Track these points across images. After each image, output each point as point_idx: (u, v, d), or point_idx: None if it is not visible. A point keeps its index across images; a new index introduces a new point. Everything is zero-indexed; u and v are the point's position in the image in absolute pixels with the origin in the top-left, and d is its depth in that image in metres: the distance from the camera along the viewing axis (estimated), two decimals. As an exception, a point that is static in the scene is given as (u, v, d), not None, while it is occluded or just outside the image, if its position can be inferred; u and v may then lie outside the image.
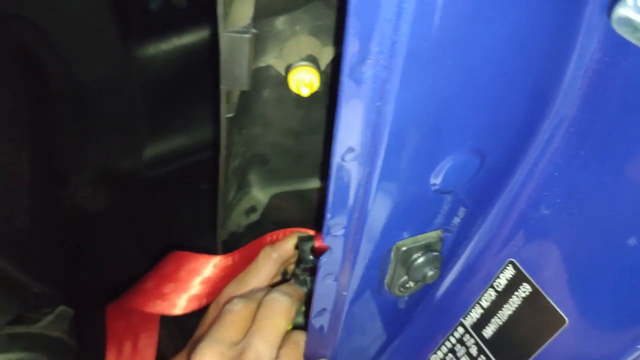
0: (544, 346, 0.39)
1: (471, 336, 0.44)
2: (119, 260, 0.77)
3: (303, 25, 0.43)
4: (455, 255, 0.43)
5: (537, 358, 0.39)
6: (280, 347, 0.47)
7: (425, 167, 0.34)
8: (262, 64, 0.44)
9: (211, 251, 0.59)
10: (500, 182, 0.39)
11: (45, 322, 0.55)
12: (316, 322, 0.45)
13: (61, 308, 0.58)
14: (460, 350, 0.45)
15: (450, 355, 0.46)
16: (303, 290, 0.53)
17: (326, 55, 0.44)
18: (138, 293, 0.59)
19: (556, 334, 0.37)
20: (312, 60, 0.42)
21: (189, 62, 0.79)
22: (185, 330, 0.66)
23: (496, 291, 0.41)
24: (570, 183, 0.35)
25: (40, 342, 0.54)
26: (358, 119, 0.30)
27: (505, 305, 0.41)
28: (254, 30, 0.37)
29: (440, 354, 0.47)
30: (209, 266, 0.57)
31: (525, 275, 0.39)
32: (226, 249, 0.59)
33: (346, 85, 0.29)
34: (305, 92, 0.41)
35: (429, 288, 0.46)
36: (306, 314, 0.54)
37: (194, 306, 0.57)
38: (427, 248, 0.40)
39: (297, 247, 0.56)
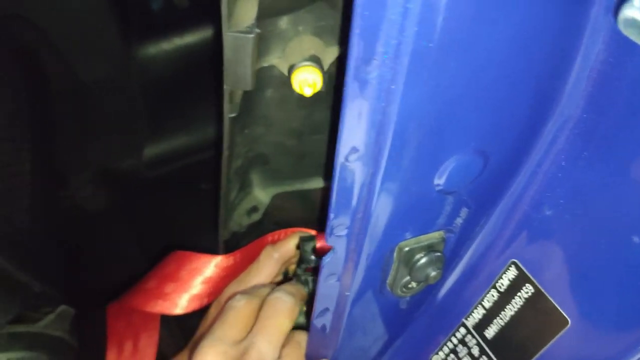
0: (546, 347, 0.39)
1: (473, 337, 0.44)
2: (120, 260, 0.77)
3: (306, 25, 0.43)
4: (458, 255, 0.43)
5: (539, 359, 0.39)
6: (282, 347, 0.47)
7: (429, 167, 0.34)
8: (265, 64, 0.44)
9: (212, 251, 0.59)
10: (504, 183, 0.39)
11: (46, 322, 0.55)
12: (318, 322, 0.45)
13: (62, 307, 0.58)
14: (462, 350, 0.45)
15: (452, 355, 0.46)
16: (305, 290, 0.53)
17: (329, 56, 0.44)
18: (139, 293, 0.59)
19: (558, 335, 0.37)
20: (315, 60, 0.42)
21: (190, 62, 0.79)
22: (186, 329, 0.66)
23: (498, 292, 0.41)
24: (573, 184, 0.35)
25: (41, 342, 0.53)
26: (362, 120, 0.30)
27: (507, 306, 0.41)
28: (257, 30, 0.37)
29: (442, 354, 0.47)
30: (211, 266, 0.57)
31: (527, 276, 0.39)
32: (227, 249, 0.59)
33: (351, 85, 0.29)
34: (308, 92, 0.41)
35: (431, 288, 0.45)
36: (308, 314, 0.54)
37: (195, 306, 0.57)
38: (429, 249, 0.40)
39: (298, 247, 0.56)
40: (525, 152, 0.37)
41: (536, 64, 0.32)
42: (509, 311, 0.41)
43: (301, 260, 0.56)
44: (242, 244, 0.60)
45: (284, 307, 0.48)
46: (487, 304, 0.42)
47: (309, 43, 0.43)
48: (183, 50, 0.78)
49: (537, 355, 0.39)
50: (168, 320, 0.63)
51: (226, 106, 0.42)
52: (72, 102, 0.72)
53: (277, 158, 0.55)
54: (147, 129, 0.82)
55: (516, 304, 0.40)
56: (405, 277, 0.41)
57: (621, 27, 0.24)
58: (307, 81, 0.41)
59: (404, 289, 0.42)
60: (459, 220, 0.41)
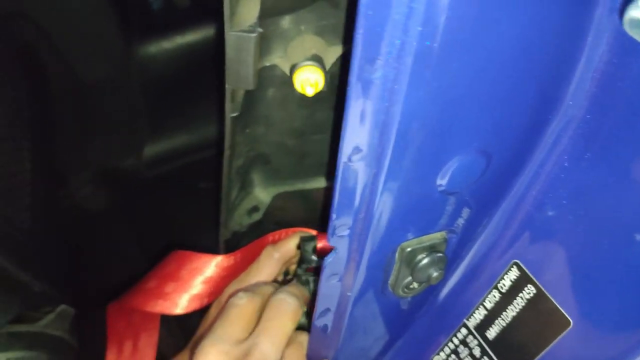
0: (547, 348, 0.38)
1: (474, 337, 0.44)
2: (120, 259, 0.77)
3: (308, 24, 0.43)
4: (460, 256, 0.43)
5: (541, 360, 0.39)
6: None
7: (431, 168, 0.34)
8: (267, 64, 0.44)
9: (212, 250, 0.59)
10: (506, 183, 0.39)
11: (46, 321, 0.55)
12: (320, 322, 0.45)
13: (62, 307, 0.57)
14: (463, 351, 0.45)
15: (453, 356, 0.46)
16: (307, 291, 0.53)
17: (331, 55, 0.44)
18: (139, 292, 0.59)
19: (560, 336, 0.37)
20: (317, 59, 0.42)
21: (190, 62, 0.79)
22: (186, 329, 0.66)
23: (500, 292, 0.41)
24: (576, 185, 0.35)
25: (41, 341, 0.53)
26: (365, 120, 0.30)
27: (509, 307, 0.41)
28: (260, 30, 0.37)
29: (443, 355, 0.47)
30: (211, 266, 0.57)
31: (529, 277, 0.39)
32: (228, 249, 0.59)
33: (354, 85, 0.29)
34: (310, 91, 0.41)
35: (432, 289, 0.45)
36: (309, 314, 0.54)
37: (195, 306, 0.57)
38: (431, 249, 0.40)
39: (299, 247, 0.56)
40: (528, 153, 0.37)
41: (540, 64, 0.31)
42: (511, 312, 0.41)
43: (302, 260, 0.56)
44: (243, 243, 0.60)
45: (288, 309, 0.47)
46: (489, 304, 0.42)
47: (311, 42, 0.43)
48: (183, 50, 0.78)
49: (539, 356, 0.39)
50: (168, 320, 0.63)
51: (228, 105, 0.42)
52: (72, 102, 0.72)
53: (278, 158, 0.55)
54: (147, 129, 0.82)
55: (518, 304, 0.40)
56: (407, 277, 0.41)
57: (627, 27, 0.24)
58: (309, 81, 0.41)
59: (405, 290, 0.42)
60: (460, 221, 0.41)
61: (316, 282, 0.55)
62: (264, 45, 0.43)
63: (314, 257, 0.55)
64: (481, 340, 0.43)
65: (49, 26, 0.64)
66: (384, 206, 0.34)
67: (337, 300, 0.42)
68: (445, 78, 0.29)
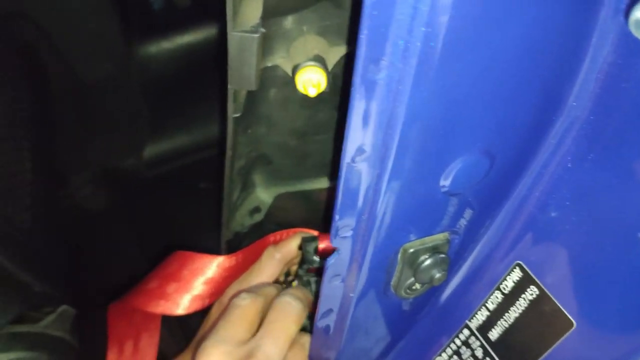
0: (550, 349, 0.38)
1: (477, 338, 0.44)
2: (120, 259, 0.77)
3: (310, 25, 0.43)
4: (462, 257, 0.43)
5: (544, 361, 0.39)
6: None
7: (435, 168, 0.34)
8: (269, 64, 0.44)
9: (212, 250, 0.59)
10: (509, 184, 0.38)
11: (47, 322, 0.55)
12: (322, 323, 0.45)
13: (63, 307, 0.57)
14: (465, 352, 0.45)
15: (455, 357, 0.46)
16: (310, 293, 0.53)
17: (333, 56, 0.44)
18: (141, 293, 0.59)
19: (563, 337, 0.37)
20: (320, 60, 0.42)
21: (190, 62, 0.79)
22: (187, 330, 0.66)
23: (503, 293, 0.41)
24: (580, 186, 0.35)
25: (42, 342, 0.53)
26: (369, 120, 0.30)
27: (511, 308, 0.41)
28: (262, 30, 0.37)
29: (445, 356, 0.47)
30: (213, 266, 0.57)
31: (532, 278, 0.39)
32: (230, 249, 0.59)
33: (358, 86, 0.28)
34: (312, 92, 0.41)
35: (434, 290, 0.45)
36: (310, 316, 0.54)
37: (197, 306, 0.57)
38: (434, 250, 0.40)
39: (300, 247, 0.56)
40: (531, 153, 0.36)
41: (544, 65, 0.31)
42: (513, 313, 0.40)
43: (303, 261, 0.56)
44: (244, 244, 0.60)
45: (293, 312, 0.47)
46: (491, 305, 0.42)
47: (314, 43, 0.43)
48: (183, 50, 0.78)
49: (542, 358, 0.39)
50: (169, 321, 0.63)
51: (230, 106, 0.42)
52: (72, 102, 0.72)
53: (279, 158, 0.55)
54: (148, 129, 0.82)
55: (520, 305, 0.40)
56: (409, 278, 0.41)
57: (632, 28, 0.24)
58: (312, 81, 0.41)
59: (408, 291, 0.42)
60: (462, 222, 0.41)
61: (317, 282, 0.55)
62: (266, 45, 0.42)
63: (316, 258, 0.55)
64: (483, 342, 0.43)
65: (49, 26, 0.64)
66: (387, 207, 0.34)
67: (339, 302, 0.42)
68: (450, 79, 0.29)
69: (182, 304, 0.57)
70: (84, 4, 0.66)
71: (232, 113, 0.42)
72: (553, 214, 0.37)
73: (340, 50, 0.44)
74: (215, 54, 0.78)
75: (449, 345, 0.46)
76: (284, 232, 0.60)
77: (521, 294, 0.40)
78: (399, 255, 0.39)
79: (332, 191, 0.59)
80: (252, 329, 0.47)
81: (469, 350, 0.45)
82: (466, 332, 0.45)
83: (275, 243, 0.58)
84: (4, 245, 0.51)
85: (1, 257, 0.50)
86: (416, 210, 0.36)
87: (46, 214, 0.62)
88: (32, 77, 0.64)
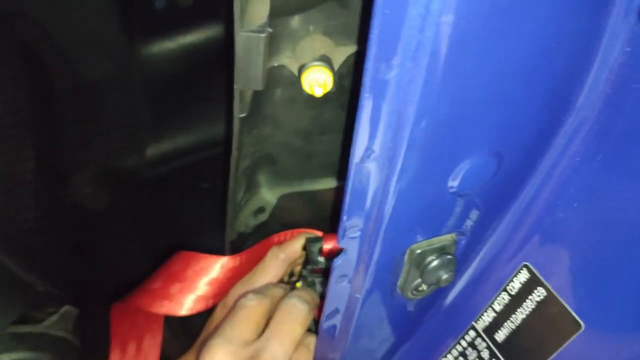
0: (558, 351, 0.38)
1: (483, 340, 0.44)
2: (123, 259, 0.77)
3: (317, 24, 0.43)
4: (469, 258, 0.43)
5: (551, 363, 0.39)
6: None
7: (444, 169, 0.34)
8: (275, 64, 0.44)
9: (215, 250, 0.58)
10: (517, 185, 0.38)
11: (50, 322, 0.55)
12: (327, 324, 0.44)
13: (66, 307, 0.57)
14: (471, 354, 0.45)
15: (461, 358, 0.46)
16: (317, 295, 0.53)
17: (339, 55, 0.44)
18: (144, 293, 0.59)
19: (571, 339, 0.37)
20: (326, 60, 0.42)
21: (192, 61, 0.78)
22: (189, 331, 0.66)
23: (509, 295, 0.41)
24: (588, 186, 0.35)
25: (45, 342, 0.53)
26: (379, 120, 0.30)
27: (518, 309, 0.40)
28: (270, 29, 0.37)
29: (450, 357, 0.46)
30: (216, 267, 0.56)
31: (539, 279, 0.39)
32: (233, 250, 0.59)
33: (368, 85, 0.28)
34: (318, 92, 0.41)
35: (440, 292, 0.45)
36: (315, 317, 0.54)
37: (200, 307, 0.56)
38: (441, 251, 0.40)
39: (304, 248, 0.56)
40: (539, 154, 0.36)
41: (554, 65, 0.31)
42: (520, 314, 0.40)
43: (307, 262, 0.56)
44: (248, 244, 0.59)
45: (299, 315, 0.47)
46: (498, 307, 0.42)
47: (320, 43, 0.43)
48: (185, 50, 0.78)
49: (549, 359, 0.39)
50: (172, 321, 0.63)
51: (236, 106, 0.42)
52: (74, 101, 0.71)
53: (284, 158, 0.55)
54: (149, 128, 0.82)
55: (527, 307, 0.40)
56: (416, 279, 0.41)
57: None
58: (318, 81, 0.41)
59: (414, 292, 0.42)
60: (469, 223, 0.40)
61: (322, 283, 0.55)
62: (272, 45, 0.42)
63: (320, 259, 0.54)
64: (490, 343, 0.43)
65: (50, 26, 0.64)
66: (395, 208, 0.34)
67: (345, 302, 0.42)
68: (460, 79, 0.29)
69: (186, 304, 0.56)
70: (85, 4, 0.66)
71: (238, 113, 0.42)
72: (561, 215, 0.37)
73: (347, 50, 0.44)
74: (217, 54, 0.78)
75: (454, 347, 0.46)
76: (288, 233, 0.60)
77: (528, 295, 0.40)
78: (406, 256, 0.39)
79: (337, 192, 0.59)
80: (258, 330, 0.47)
81: (475, 351, 0.44)
82: (472, 333, 0.44)
83: (280, 243, 0.58)
84: (6, 244, 0.50)
85: (3, 256, 0.50)
86: (424, 210, 0.36)
87: (48, 214, 0.62)
88: (33, 77, 0.63)
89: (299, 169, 0.57)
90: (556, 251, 0.38)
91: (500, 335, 0.42)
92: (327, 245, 0.54)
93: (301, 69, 0.42)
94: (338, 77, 0.44)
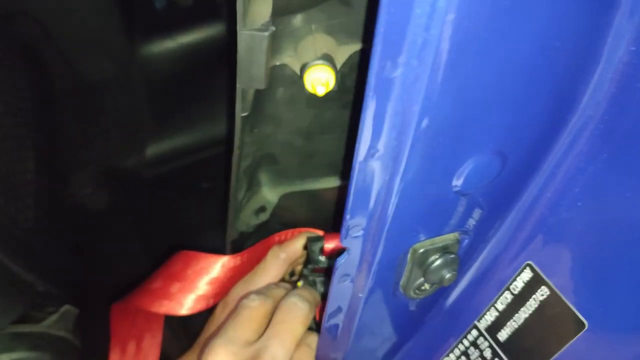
0: (561, 350, 0.38)
1: (485, 339, 0.43)
2: (124, 259, 0.77)
3: (319, 23, 0.43)
4: (471, 258, 0.43)
5: (554, 362, 0.39)
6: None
7: (448, 168, 0.33)
8: (277, 63, 0.44)
9: (215, 250, 0.58)
10: (520, 184, 0.38)
11: (50, 321, 0.55)
12: (330, 324, 0.44)
13: (66, 307, 0.57)
14: (473, 353, 0.45)
15: (463, 358, 0.46)
16: (318, 294, 0.53)
17: (341, 54, 0.44)
18: (144, 292, 0.59)
19: (575, 338, 0.37)
20: (328, 59, 0.42)
21: (193, 61, 0.78)
22: (190, 330, 0.66)
23: (512, 294, 0.41)
24: (592, 186, 0.35)
25: (45, 341, 0.53)
26: (383, 119, 0.30)
27: (521, 309, 0.40)
28: (273, 28, 0.37)
29: (452, 356, 0.46)
30: (217, 266, 0.56)
31: (543, 278, 0.39)
32: (234, 249, 0.59)
33: (373, 83, 0.28)
34: (321, 91, 0.41)
35: (442, 291, 0.45)
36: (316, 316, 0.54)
37: (201, 306, 0.56)
38: (444, 250, 0.40)
39: (305, 247, 0.56)
40: (543, 153, 0.36)
41: (558, 64, 0.31)
42: (523, 313, 0.40)
43: (308, 261, 0.56)
44: (249, 244, 0.59)
45: (300, 314, 0.47)
46: (501, 306, 0.42)
47: (322, 41, 0.43)
48: (186, 49, 0.77)
49: (552, 359, 0.39)
50: (172, 321, 0.63)
51: (238, 105, 0.41)
52: (74, 101, 0.71)
53: (285, 158, 0.55)
54: (150, 128, 0.82)
55: (531, 306, 0.40)
56: (419, 279, 0.41)
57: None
58: (320, 80, 0.41)
59: (417, 291, 0.42)
60: (472, 222, 0.40)
61: (323, 283, 0.55)
62: (274, 44, 0.42)
63: (321, 258, 0.54)
64: (492, 342, 0.43)
65: (51, 25, 0.64)
66: (399, 207, 0.34)
67: (348, 302, 0.42)
68: (465, 78, 0.28)
69: (186, 304, 0.56)
70: (85, 3, 0.66)
71: (240, 112, 0.42)
72: (565, 215, 0.37)
73: (349, 49, 0.44)
74: (217, 54, 0.78)
75: (457, 346, 0.46)
76: (289, 232, 0.60)
77: (531, 294, 0.39)
78: (409, 256, 0.39)
79: (338, 191, 0.59)
80: (259, 330, 0.47)
81: (477, 351, 0.44)
82: (475, 332, 0.44)
83: (280, 243, 0.58)
84: (6, 244, 0.50)
85: (3, 256, 0.49)
86: (427, 210, 0.36)
87: (48, 214, 0.62)
88: (33, 77, 0.63)
89: (300, 168, 0.57)
90: (560, 250, 0.38)
91: (503, 335, 0.42)
92: (328, 245, 0.54)
93: (303, 67, 0.42)
94: (340, 76, 0.44)
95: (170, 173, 0.84)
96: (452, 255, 0.39)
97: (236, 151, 0.46)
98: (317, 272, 0.55)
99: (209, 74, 0.80)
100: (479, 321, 0.44)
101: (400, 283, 0.41)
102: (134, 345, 0.60)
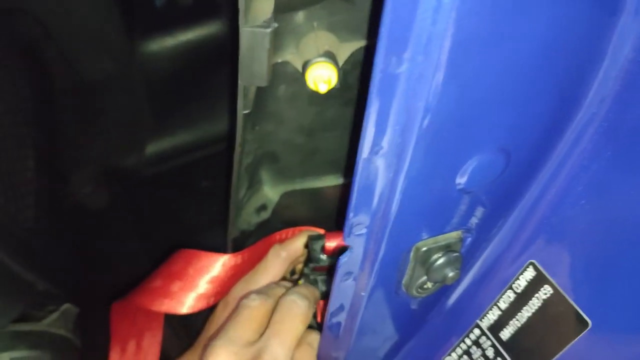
0: (564, 349, 0.38)
1: (488, 338, 0.43)
2: (124, 258, 0.77)
3: (321, 20, 0.43)
4: (474, 256, 0.43)
5: (558, 361, 0.39)
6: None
7: (452, 166, 0.33)
8: (279, 60, 0.43)
9: (215, 249, 0.58)
10: (523, 182, 0.38)
11: (50, 320, 0.55)
12: (332, 322, 0.44)
13: (66, 306, 0.57)
14: (475, 352, 0.44)
15: (465, 357, 0.45)
16: (317, 291, 0.53)
17: (343, 52, 0.44)
18: (145, 291, 0.58)
19: (578, 337, 0.37)
20: (330, 56, 0.42)
21: (193, 59, 0.78)
22: (190, 329, 0.65)
23: (515, 293, 0.41)
24: (595, 184, 0.35)
25: (45, 340, 0.53)
26: (388, 116, 0.29)
27: (524, 307, 0.40)
28: (275, 25, 0.37)
29: (454, 355, 0.46)
30: (218, 265, 0.56)
31: (546, 277, 0.38)
32: (235, 247, 0.59)
33: (378, 79, 0.28)
34: (323, 88, 0.40)
35: (444, 289, 0.45)
36: (315, 314, 0.53)
37: (201, 305, 0.56)
38: (447, 249, 0.39)
39: (306, 246, 0.56)
40: (547, 151, 0.36)
41: (563, 62, 0.31)
42: (526, 312, 0.40)
43: (309, 260, 0.56)
44: (250, 242, 0.59)
45: (299, 312, 0.47)
46: (503, 305, 0.42)
47: (324, 39, 0.43)
48: (186, 47, 0.77)
49: (555, 358, 0.39)
50: (172, 320, 0.62)
51: (240, 102, 0.41)
52: (74, 100, 0.71)
53: (286, 156, 0.54)
54: (150, 126, 0.82)
55: (533, 305, 0.39)
56: (421, 277, 0.40)
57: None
58: (322, 77, 0.40)
59: (419, 290, 0.41)
60: (474, 220, 0.40)
61: (324, 281, 0.54)
62: (276, 41, 0.42)
63: (322, 257, 0.54)
64: (495, 341, 0.43)
65: (51, 25, 0.64)
66: (403, 205, 0.34)
67: (350, 300, 0.42)
68: (471, 74, 0.28)
69: (187, 302, 0.56)
70: (85, 3, 0.66)
71: (242, 109, 0.42)
72: (568, 213, 0.37)
73: (351, 46, 0.44)
74: (217, 52, 0.78)
75: (459, 345, 0.46)
76: (290, 231, 0.60)
77: (534, 293, 0.39)
78: (412, 254, 0.39)
79: (340, 189, 0.59)
80: (260, 330, 0.47)
81: (479, 350, 0.44)
82: (477, 331, 0.44)
83: (281, 241, 0.58)
84: (6, 243, 0.50)
85: (4, 255, 0.49)
86: (431, 207, 0.36)
87: (48, 213, 0.62)
88: (33, 76, 0.63)
89: (302, 166, 0.56)
90: (563, 249, 0.37)
91: (506, 334, 0.42)
92: (330, 243, 0.54)
93: (305, 65, 0.42)
94: (342, 73, 0.44)
95: (170, 171, 0.84)
96: (455, 254, 0.39)
97: (238, 149, 0.45)
98: (318, 270, 0.55)
99: (209, 72, 0.80)
100: (481, 320, 0.44)
101: (403, 281, 0.41)
102: (134, 344, 0.59)
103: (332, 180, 0.58)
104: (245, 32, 0.36)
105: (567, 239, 0.37)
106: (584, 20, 0.30)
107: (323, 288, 0.54)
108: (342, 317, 0.44)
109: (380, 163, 0.32)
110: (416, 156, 0.31)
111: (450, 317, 0.46)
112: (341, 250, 0.38)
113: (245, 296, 0.49)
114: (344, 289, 0.40)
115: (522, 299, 0.40)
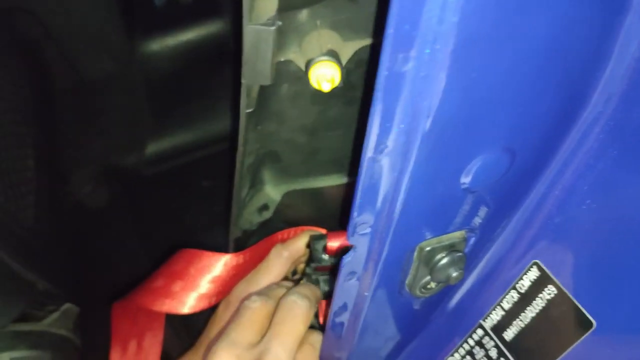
0: (568, 350, 0.38)
1: (491, 338, 0.43)
2: (124, 257, 0.77)
3: (324, 19, 0.42)
4: (477, 256, 0.43)
5: (562, 362, 0.39)
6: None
7: (457, 165, 0.33)
8: (282, 59, 0.43)
9: (216, 248, 0.58)
10: (528, 182, 0.38)
11: (50, 320, 0.55)
12: (334, 322, 0.44)
13: (66, 306, 0.57)
14: (479, 352, 0.44)
15: (468, 357, 0.45)
16: (319, 291, 0.52)
17: (347, 50, 0.43)
18: (146, 291, 0.58)
19: (582, 338, 0.37)
20: (334, 55, 0.41)
21: (193, 59, 0.78)
22: (191, 329, 0.65)
23: (519, 293, 0.40)
24: (601, 183, 0.35)
25: (45, 340, 0.53)
26: (393, 114, 0.29)
27: (528, 307, 0.40)
28: (279, 23, 0.36)
29: (457, 356, 0.46)
30: (219, 264, 0.56)
31: (550, 277, 0.38)
32: (237, 247, 0.58)
33: (384, 77, 0.28)
34: (326, 87, 0.40)
35: (448, 290, 0.45)
36: (317, 314, 0.53)
37: (203, 305, 0.56)
38: (451, 248, 0.39)
39: (308, 245, 0.56)
40: (553, 150, 0.36)
41: (569, 61, 0.31)
42: (530, 312, 0.40)
43: (311, 259, 0.55)
44: (251, 242, 0.59)
45: (300, 312, 0.47)
46: (507, 305, 0.41)
47: (327, 37, 0.43)
48: (186, 47, 0.77)
49: (559, 358, 0.38)
50: (173, 320, 0.62)
51: (243, 101, 0.41)
52: (74, 99, 0.71)
53: (289, 155, 0.54)
54: (150, 126, 0.81)
55: (537, 305, 0.39)
56: (425, 277, 0.40)
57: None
58: (325, 76, 0.40)
59: (423, 290, 0.41)
60: (478, 220, 0.40)
61: (326, 281, 0.54)
62: (279, 40, 0.42)
63: (324, 256, 0.54)
64: (498, 342, 0.43)
65: (52, 24, 0.63)
66: (407, 204, 0.34)
67: (353, 300, 0.41)
68: (476, 73, 0.28)
69: (188, 302, 0.56)
70: (85, 2, 0.66)
71: (245, 108, 0.42)
72: (573, 213, 0.37)
73: (354, 45, 0.43)
74: (217, 51, 0.78)
75: (462, 346, 0.46)
76: (292, 230, 0.59)
77: (538, 293, 0.39)
78: (415, 254, 0.39)
79: (342, 189, 0.58)
80: (262, 332, 0.47)
81: (482, 350, 0.44)
82: (480, 332, 0.44)
83: (283, 241, 0.58)
84: (7, 242, 0.50)
85: (4, 254, 0.49)
86: (435, 207, 0.36)
87: (50, 212, 0.61)
88: (33, 75, 0.63)
89: (304, 165, 0.56)
90: (567, 249, 0.37)
91: (509, 334, 0.42)
92: (332, 243, 0.54)
93: (308, 64, 0.41)
94: (345, 72, 0.44)
95: (171, 171, 0.84)
96: (459, 254, 0.39)
97: (240, 148, 0.45)
98: (319, 270, 0.55)
99: (209, 71, 0.80)
100: (484, 320, 0.43)
101: (406, 281, 0.41)
102: (135, 344, 0.59)
103: (335, 180, 0.58)
104: (249, 30, 0.36)
105: (571, 239, 0.37)
106: (590, 20, 0.30)
107: (325, 288, 0.54)
108: (345, 317, 0.44)
109: (385, 162, 0.31)
110: (421, 155, 0.31)
111: (454, 317, 0.46)
112: (344, 249, 0.38)
113: (246, 298, 0.49)
114: (347, 288, 0.40)
115: (526, 299, 0.40)
